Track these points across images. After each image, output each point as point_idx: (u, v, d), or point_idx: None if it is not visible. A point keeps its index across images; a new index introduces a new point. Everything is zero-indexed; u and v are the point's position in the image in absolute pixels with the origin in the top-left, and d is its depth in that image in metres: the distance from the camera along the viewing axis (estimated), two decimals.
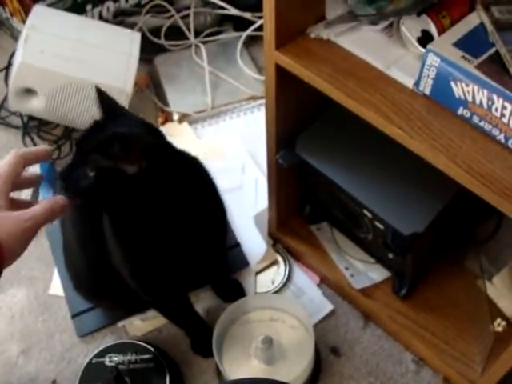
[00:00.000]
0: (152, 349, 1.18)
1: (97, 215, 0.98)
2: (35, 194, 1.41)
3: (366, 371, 1.20)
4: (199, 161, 1.01)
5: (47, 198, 0.84)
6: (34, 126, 1.57)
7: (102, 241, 1.01)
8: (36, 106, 1.46)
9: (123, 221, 0.94)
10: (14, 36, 1.72)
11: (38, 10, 1.50)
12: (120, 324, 1.26)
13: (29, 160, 0.87)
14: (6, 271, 1.33)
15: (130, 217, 0.92)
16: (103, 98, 0.91)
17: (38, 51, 1.41)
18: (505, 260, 1.19)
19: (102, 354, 1.18)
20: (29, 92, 1.45)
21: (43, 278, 1.33)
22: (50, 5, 1.61)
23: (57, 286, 1.31)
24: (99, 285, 1.15)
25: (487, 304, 1.17)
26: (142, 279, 1.04)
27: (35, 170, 1.45)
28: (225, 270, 1.26)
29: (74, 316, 1.27)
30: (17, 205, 0.83)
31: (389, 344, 1.23)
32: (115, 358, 1.17)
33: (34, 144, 1.55)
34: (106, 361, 1.17)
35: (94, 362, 1.17)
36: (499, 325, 1.14)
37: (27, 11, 1.54)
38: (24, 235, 0.78)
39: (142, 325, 1.26)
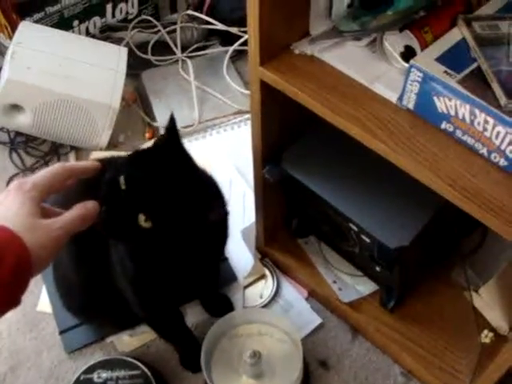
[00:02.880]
0: (140, 365, 1.17)
1: (101, 239, 0.95)
2: None
3: None
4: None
5: (78, 205, 0.81)
6: (21, 142, 1.57)
7: (102, 261, 1.01)
8: (23, 121, 1.47)
9: (141, 251, 0.93)
10: (1, 52, 1.72)
11: (24, 26, 1.51)
12: (108, 340, 1.26)
13: (75, 173, 0.85)
14: None
15: (152, 248, 0.91)
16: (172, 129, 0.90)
17: (25, 67, 1.41)
18: (491, 271, 1.20)
19: (91, 370, 1.17)
20: (16, 108, 1.45)
21: (31, 295, 1.32)
22: (37, 21, 1.62)
23: (45, 303, 1.31)
24: (91, 302, 1.14)
25: (474, 315, 1.18)
26: (145, 297, 1.04)
27: None
28: (215, 284, 1.26)
29: (61, 332, 1.27)
30: (47, 213, 0.80)
31: (377, 357, 1.23)
32: (104, 375, 1.17)
33: (21, 160, 1.55)
34: (95, 377, 1.17)
35: (82, 378, 1.16)
36: (486, 336, 1.14)
37: (14, 27, 1.55)
38: (53, 244, 0.76)
39: (130, 340, 1.25)
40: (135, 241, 0.88)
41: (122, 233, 0.86)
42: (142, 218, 0.84)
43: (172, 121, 0.90)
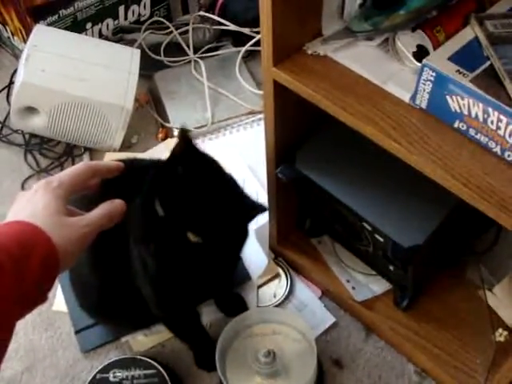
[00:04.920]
0: (156, 364, 1.18)
1: (119, 238, 0.96)
2: None
3: (368, 383, 1.21)
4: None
5: (105, 203, 0.82)
6: (35, 144, 1.58)
7: (120, 260, 1.02)
8: (38, 123, 1.48)
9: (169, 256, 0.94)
10: (16, 55, 1.74)
11: (38, 30, 1.52)
12: (123, 339, 1.27)
13: (99, 172, 0.86)
14: None
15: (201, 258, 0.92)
16: (185, 141, 0.88)
17: (40, 70, 1.42)
18: (505, 270, 1.20)
19: (106, 369, 1.18)
20: (30, 110, 1.46)
21: None
22: (51, 24, 1.63)
23: (60, 303, 1.32)
24: (108, 303, 1.15)
25: (488, 314, 1.17)
26: (165, 296, 1.05)
27: None
28: (230, 284, 1.27)
29: (77, 332, 1.28)
30: (71, 213, 0.81)
31: (391, 355, 1.23)
32: (119, 374, 1.18)
33: (36, 161, 1.56)
34: (110, 376, 1.18)
35: (97, 377, 1.18)
36: (501, 335, 1.14)
37: (28, 31, 1.56)
38: (80, 241, 0.77)
39: (145, 340, 1.26)
40: (185, 255, 0.89)
41: (173, 255, 0.88)
42: (190, 235, 0.85)
43: (183, 131, 0.89)
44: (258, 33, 1.67)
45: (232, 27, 1.73)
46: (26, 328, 1.30)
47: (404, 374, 1.21)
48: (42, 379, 1.24)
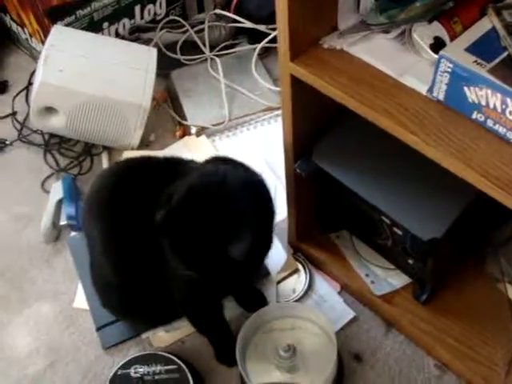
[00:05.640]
0: (176, 359, 1.19)
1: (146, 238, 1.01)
2: (57, 209, 1.44)
3: (388, 377, 1.20)
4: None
5: None
6: (55, 143, 1.60)
7: (146, 258, 1.05)
8: (57, 123, 1.49)
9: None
10: (34, 56, 1.76)
11: (56, 30, 1.53)
12: (144, 336, 1.28)
13: None
14: (30, 286, 1.36)
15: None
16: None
17: (58, 70, 1.44)
18: None
19: (128, 365, 1.19)
20: (49, 110, 1.48)
21: (68, 292, 1.35)
22: (68, 25, 1.64)
23: (81, 300, 1.33)
24: (129, 300, 1.17)
25: (509, 307, 1.17)
26: (195, 294, 1.09)
27: (58, 185, 1.49)
28: (250, 279, 1.27)
29: (98, 329, 1.29)
30: None
31: (411, 350, 1.23)
32: (140, 370, 1.19)
33: (56, 161, 1.58)
34: (132, 372, 1.19)
35: (119, 373, 1.19)
36: None
37: (46, 32, 1.58)
38: None
39: (165, 336, 1.27)
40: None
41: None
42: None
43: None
44: (273, 29, 1.67)
45: (248, 24, 1.73)
46: (48, 325, 1.31)
47: (424, 368, 1.21)
48: (64, 375, 1.25)
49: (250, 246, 0.94)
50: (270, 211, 1.02)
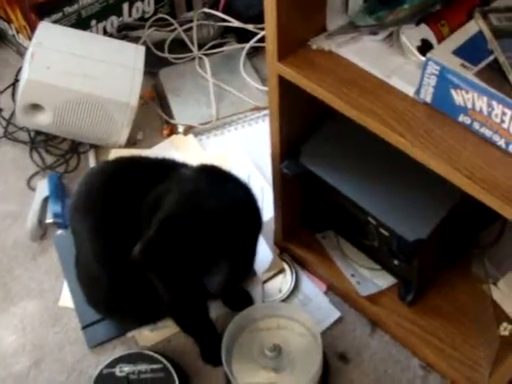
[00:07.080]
0: (162, 359, 1.19)
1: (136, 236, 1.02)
2: (43, 207, 1.43)
3: (374, 377, 1.21)
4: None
5: None
6: (41, 141, 1.59)
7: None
8: (43, 121, 1.49)
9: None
10: (20, 52, 1.75)
11: (43, 27, 1.53)
12: (130, 334, 1.27)
13: None
14: (16, 284, 1.35)
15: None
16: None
17: (44, 67, 1.43)
18: (509, 264, 1.20)
19: (113, 364, 1.19)
20: (36, 107, 1.47)
21: (53, 291, 1.35)
22: (55, 21, 1.63)
23: (67, 298, 1.33)
24: (115, 299, 1.16)
25: (493, 308, 1.18)
26: (181, 294, 1.09)
27: (44, 183, 1.48)
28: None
29: (84, 327, 1.28)
30: None
31: (396, 350, 1.24)
32: (126, 369, 1.18)
33: (42, 159, 1.57)
34: (117, 371, 1.18)
35: (104, 372, 1.18)
36: (505, 329, 1.15)
37: (33, 28, 1.57)
38: None
39: (151, 335, 1.27)
40: None
41: None
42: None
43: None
44: (262, 29, 1.67)
45: (236, 24, 1.74)
46: (33, 324, 1.31)
47: (409, 368, 1.22)
48: (49, 373, 1.25)
49: (226, 280, 0.94)
50: (252, 236, 1.05)
